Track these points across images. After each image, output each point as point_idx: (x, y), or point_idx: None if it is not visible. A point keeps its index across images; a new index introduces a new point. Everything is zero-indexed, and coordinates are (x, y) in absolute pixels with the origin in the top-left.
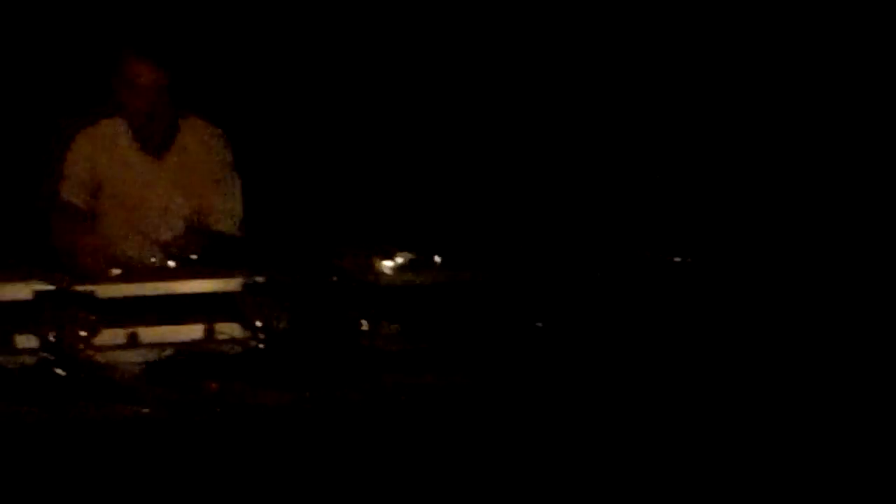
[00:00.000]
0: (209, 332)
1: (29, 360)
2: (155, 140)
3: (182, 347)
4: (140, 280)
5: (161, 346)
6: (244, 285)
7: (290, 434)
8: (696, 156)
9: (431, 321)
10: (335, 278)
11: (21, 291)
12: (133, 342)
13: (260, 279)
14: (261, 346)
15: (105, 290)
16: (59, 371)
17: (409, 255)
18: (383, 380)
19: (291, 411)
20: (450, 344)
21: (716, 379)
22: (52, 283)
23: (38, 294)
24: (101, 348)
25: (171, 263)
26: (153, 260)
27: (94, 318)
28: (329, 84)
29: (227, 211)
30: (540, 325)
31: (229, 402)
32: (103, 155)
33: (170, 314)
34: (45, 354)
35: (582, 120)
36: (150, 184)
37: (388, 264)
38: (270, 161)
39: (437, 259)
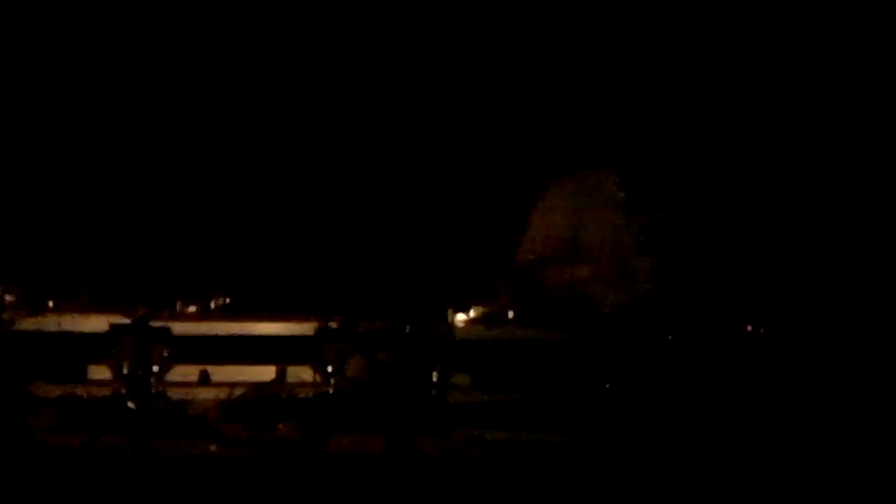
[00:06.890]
0: (281, 375)
1: (102, 391)
2: None
3: (254, 388)
4: (215, 319)
5: (233, 385)
6: (318, 330)
7: (361, 481)
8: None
9: (503, 375)
10: (409, 328)
11: (97, 324)
12: (205, 380)
13: (333, 325)
14: (331, 390)
15: (180, 328)
16: (130, 404)
17: (483, 309)
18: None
19: (363, 458)
20: (522, 399)
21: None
22: (128, 317)
23: (113, 327)
24: (173, 384)
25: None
26: None
27: (167, 353)
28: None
29: None
30: (608, 385)
31: (300, 444)
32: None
33: (244, 354)
34: (117, 386)
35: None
36: None
37: (461, 317)
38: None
39: (511, 314)
